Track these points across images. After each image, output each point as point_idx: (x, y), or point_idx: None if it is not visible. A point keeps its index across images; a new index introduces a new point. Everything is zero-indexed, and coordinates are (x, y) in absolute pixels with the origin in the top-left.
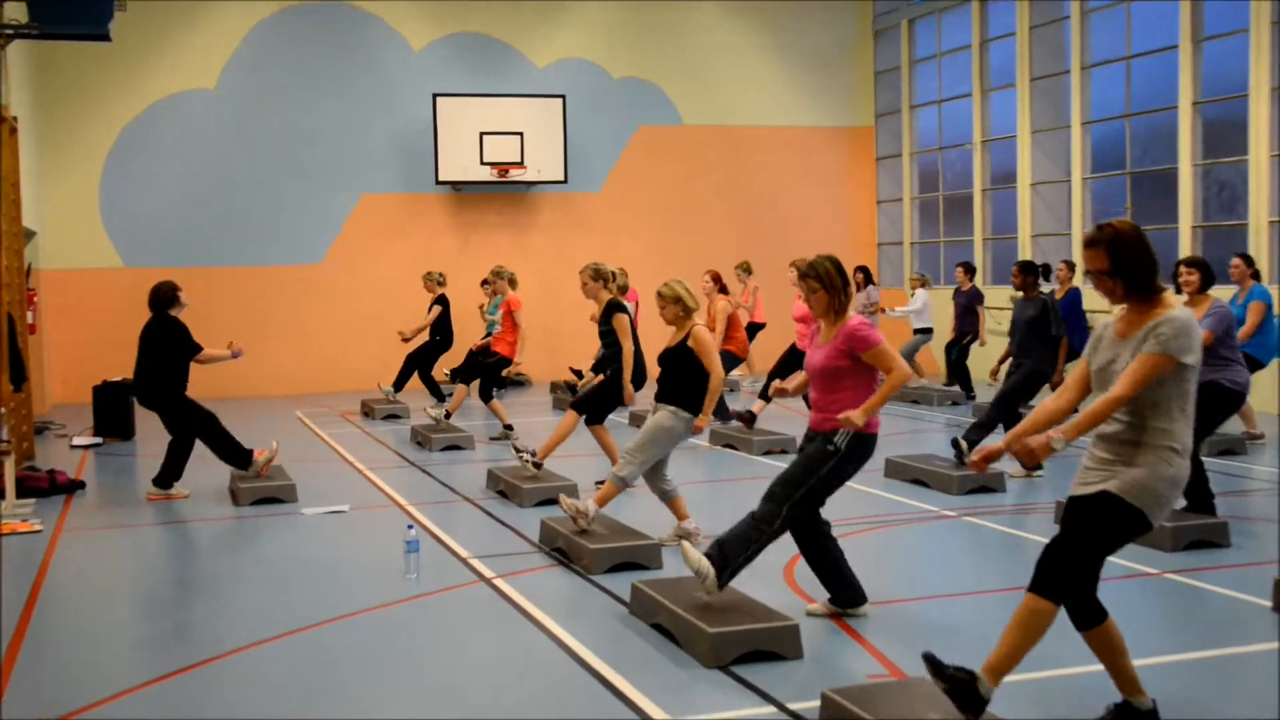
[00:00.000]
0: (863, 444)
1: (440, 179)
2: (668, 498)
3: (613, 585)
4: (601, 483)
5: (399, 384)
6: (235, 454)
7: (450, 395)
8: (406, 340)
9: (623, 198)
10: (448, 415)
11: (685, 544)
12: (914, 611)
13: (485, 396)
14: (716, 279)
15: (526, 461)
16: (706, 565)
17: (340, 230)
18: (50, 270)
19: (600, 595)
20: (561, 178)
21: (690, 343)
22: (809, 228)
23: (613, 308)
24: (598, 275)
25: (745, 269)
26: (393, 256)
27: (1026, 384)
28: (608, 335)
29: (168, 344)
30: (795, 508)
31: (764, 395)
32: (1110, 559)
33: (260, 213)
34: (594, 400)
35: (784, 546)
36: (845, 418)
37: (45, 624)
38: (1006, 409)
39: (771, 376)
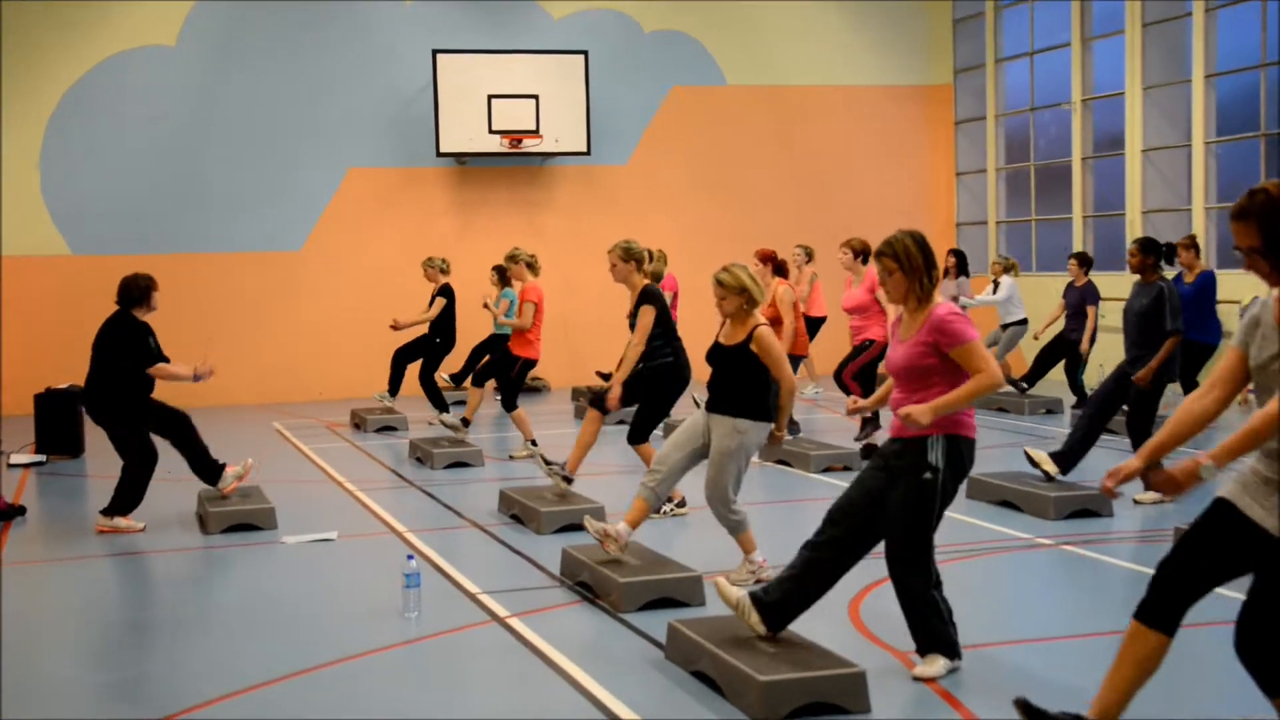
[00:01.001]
0: (957, 452)
1: (441, 150)
2: (736, 530)
3: (646, 625)
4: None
5: (394, 387)
6: (205, 465)
7: (448, 402)
8: (398, 329)
9: (654, 171)
10: (466, 423)
11: (921, 671)
12: (1001, 658)
13: (509, 406)
14: (769, 259)
15: (557, 476)
16: (940, 668)
17: (323, 211)
18: None
19: (631, 637)
20: (583, 148)
21: (754, 347)
22: (875, 205)
23: (643, 297)
24: (629, 255)
25: (807, 253)
26: (384, 241)
27: (1146, 403)
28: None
29: (126, 347)
30: (930, 551)
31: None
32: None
33: (229, 191)
34: (634, 416)
35: (850, 580)
36: (906, 413)
37: None
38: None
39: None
